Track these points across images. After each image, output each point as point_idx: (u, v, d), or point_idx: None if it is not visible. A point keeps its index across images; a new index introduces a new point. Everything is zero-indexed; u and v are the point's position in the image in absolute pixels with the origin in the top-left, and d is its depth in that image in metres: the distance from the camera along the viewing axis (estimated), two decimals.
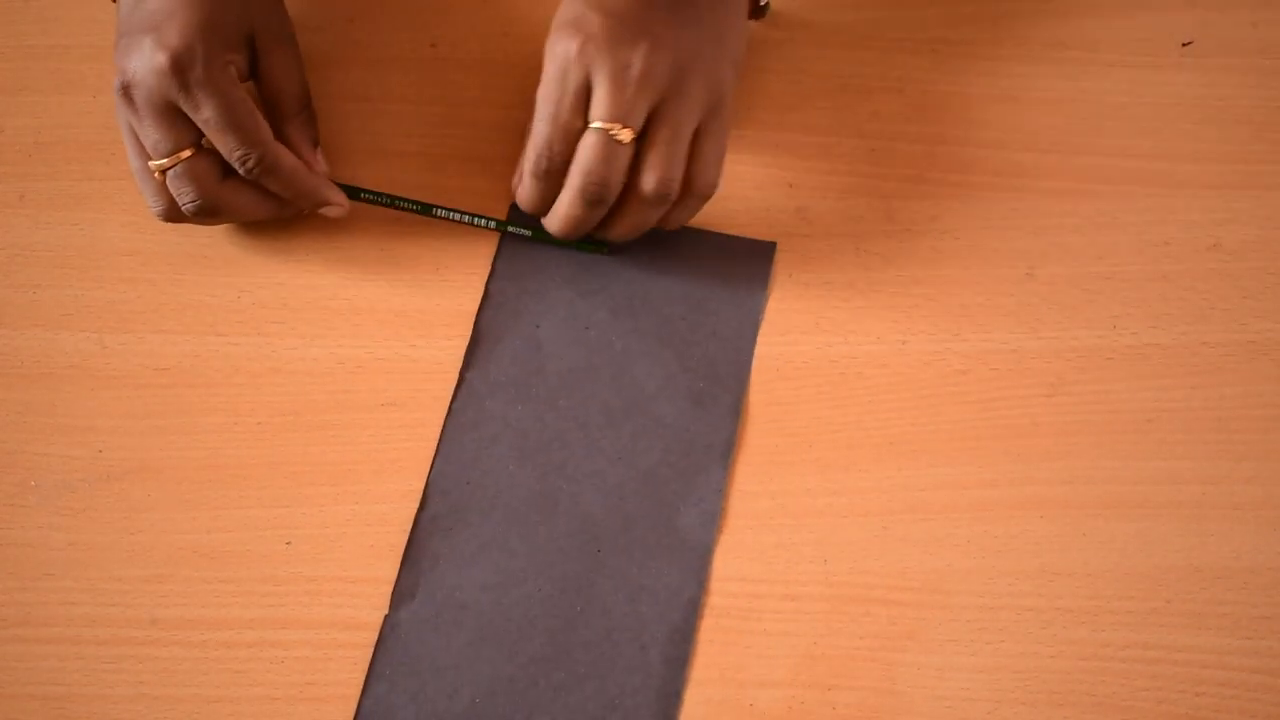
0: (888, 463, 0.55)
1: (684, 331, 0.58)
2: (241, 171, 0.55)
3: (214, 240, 0.59)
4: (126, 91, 0.53)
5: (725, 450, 0.55)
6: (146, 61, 0.52)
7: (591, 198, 0.54)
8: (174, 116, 0.53)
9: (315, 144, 0.58)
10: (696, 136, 0.54)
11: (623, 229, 0.56)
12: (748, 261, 0.59)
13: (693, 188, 0.55)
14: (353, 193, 0.58)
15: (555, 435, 0.56)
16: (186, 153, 0.54)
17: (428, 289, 0.59)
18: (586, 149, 0.53)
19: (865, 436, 0.56)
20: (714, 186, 0.56)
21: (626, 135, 0.52)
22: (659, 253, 0.59)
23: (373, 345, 0.57)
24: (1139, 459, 0.56)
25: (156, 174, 0.54)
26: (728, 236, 0.59)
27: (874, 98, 0.63)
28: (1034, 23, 0.65)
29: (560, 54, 0.52)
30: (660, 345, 0.57)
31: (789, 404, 0.57)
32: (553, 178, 0.55)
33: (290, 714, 0.51)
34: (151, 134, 0.53)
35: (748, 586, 0.53)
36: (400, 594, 0.53)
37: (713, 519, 0.54)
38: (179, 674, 0.52)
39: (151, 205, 0.56)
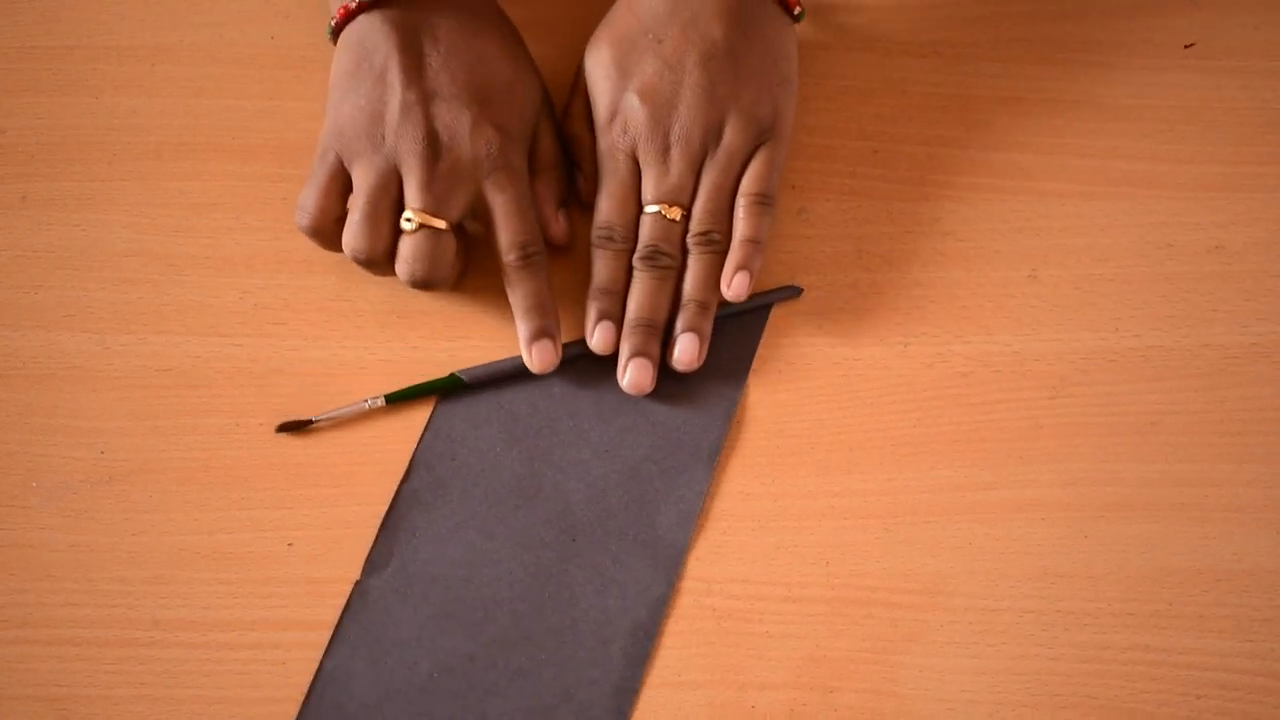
0: (890, 465, 0.55)
1: None
2: (513, 258, 0.55)
3: (216, 242, 0.59)
4: (434, 143, 0.54)
5: (712, 453, 0.55)
6: (477, 132, 0.54)
7: (653, 262, 0.56)
8: (468, 187, 0.54)
9: (560, 203, 0.58)
10: (750, 158, 0.58)
11: (694, 283, 0.56)
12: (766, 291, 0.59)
13: (745, 194, 0.57)
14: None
15: (546, 421, 0.56)
16: (443, 223, 0.54)
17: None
18: (644, 228, 0.57)
19: (867, 438, 0.56)
20: (764, 193, 0.57)
21: (676, 213, 0.57)
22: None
23: (375, 346, 0.57)
24: (1141, 461, 0.56)
25: (409, 225, 0.53)
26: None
27: (876, 99, 0.63)
28: (1036, 25, 0.64)
29: (607, 147, 0.58)
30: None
31: (791, 406, 0.57)
32: (614, 245, 0.57)
33: (293, 716, 0.51)
34: (433, 190, 0.53)
35: (749, 588, 0.53)
36: (373, 562, 0.54)
37: (690, 520, 0.54)
38: (181, 675, 0.52)
39: (354, 243, 0.53)
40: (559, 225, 0.58)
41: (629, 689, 0.52)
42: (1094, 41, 0.64)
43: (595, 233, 0.57)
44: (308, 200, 0.55)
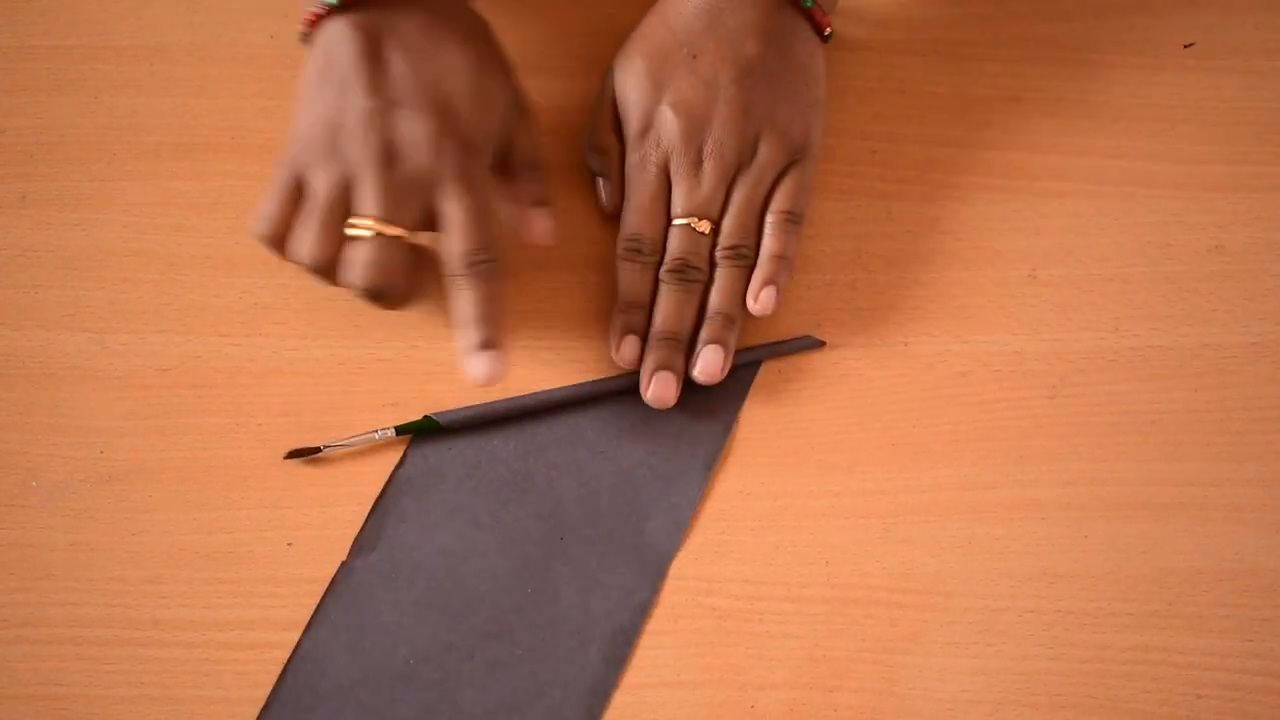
0: (889, 464, 0.55)
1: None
2: (464, 267, 0.51)
3: (216, 241, 0.59)
4: (390, 153, 0.51)
5: (708, 463, 0.55)
6: (436, 143, 0.52)
7: (681, 275, 0.56)
8: (419, 196, 0.52)
9: (539, 201, 0.56)
10: (779, 177, 0.58)
11: (721, 296, 0.56)
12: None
13: (775, 211, 0.57)
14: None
15: (544, 417, 0.56)
16: (398, 231, 0.51)
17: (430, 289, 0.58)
18: (672, 240, 0.57)
19: (867, 438, 0.56)
20: (794, 210, 0.57)
21: (705, 226, 0.57)
22: None
23: (374, 346, 0.57)
24: (1141, 461, 0.56)
25: (366, 231, 0.51)
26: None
27: (875, 99, 0.63)
28: (1035, 24, 0.64)
29: (638, 160, 0.57)
30: None
31: (790, 405, 0.57)
32: (642, 258, 0.57)
33: None
34: (388, 198, 0.51)
35: (749, 588, 0.53)
36: (360, 544, 0.54)
37: (679, 528, 0.54)
38: (181, 675, 0.52)
39: (307, 249, 0.51)
40: (540, 223, 0.56)
41: (603, 691, 0.52)
42: (1094, 41, 0.64)
43: (622, 244, 0.57)
44: (267, 207, 0.52)
